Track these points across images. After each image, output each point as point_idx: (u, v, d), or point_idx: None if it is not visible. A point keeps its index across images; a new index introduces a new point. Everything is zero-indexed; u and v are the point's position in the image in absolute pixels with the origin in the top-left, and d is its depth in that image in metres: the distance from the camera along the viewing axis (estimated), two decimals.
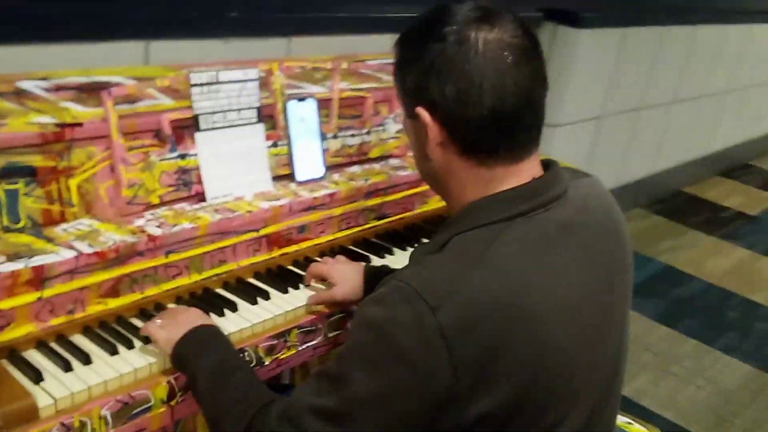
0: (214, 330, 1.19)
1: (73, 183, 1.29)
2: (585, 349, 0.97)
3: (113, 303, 1.27)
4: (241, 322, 1.32)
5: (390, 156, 1.80)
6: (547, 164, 1.03)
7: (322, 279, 1.45)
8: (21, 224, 1.23)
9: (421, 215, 1.84)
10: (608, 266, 1.04)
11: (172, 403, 1.19)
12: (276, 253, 1.52)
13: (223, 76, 1.44)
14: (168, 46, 1.87)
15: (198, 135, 1.42)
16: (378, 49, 2.38)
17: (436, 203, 1.88)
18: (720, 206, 4.68)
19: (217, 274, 1.42)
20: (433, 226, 1.83)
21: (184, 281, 1.37)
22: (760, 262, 3.93)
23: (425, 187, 1.82)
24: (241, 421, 1.01)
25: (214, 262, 1.41)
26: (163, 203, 1.38)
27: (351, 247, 1.65)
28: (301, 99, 1.59)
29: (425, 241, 1.12)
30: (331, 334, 1.44)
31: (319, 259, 1.57)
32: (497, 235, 0.94)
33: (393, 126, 1.80)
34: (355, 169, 1.71)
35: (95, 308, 1.25)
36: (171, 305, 1.34)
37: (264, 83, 1.53)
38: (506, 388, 0.91)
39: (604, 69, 3.52)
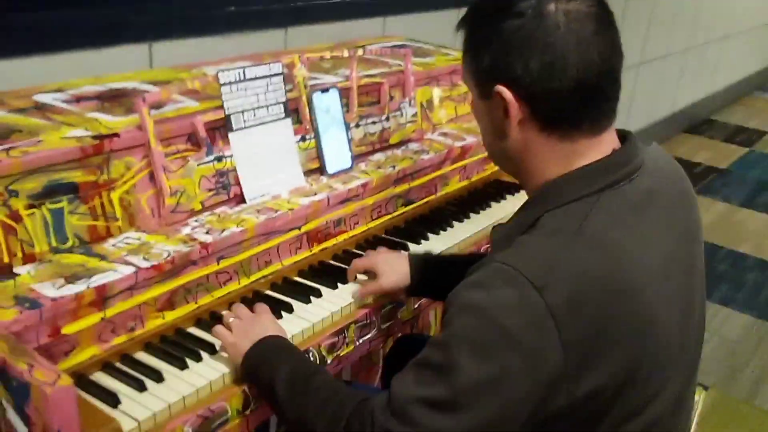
0: (281, 340, 1.17)
1: (115, 196, 1.24)
2: (678, 319, 0.98)
3: (170, 316, 1.24)
4: (301, 322, 1.30)
5: (409, 140, 1.78)
6: (623, 134, 1.03)
7: (366, 272, 1.43)
8: (69, 244, 1.18)
9: (444, 197, 1.84)
10: (687, 234, 1.04)
11: (247, 412, 1.17)
12: (316, 249, 1.50)
13: (249, 73, 1.40)
14: (169, 47, 1.81)
15: (232, 135, 1.38)
16: (373, 33, 2.36)
17: (456, 184, 1.88)
18: (691, 162, 4.77)
19: (264, 276, 1.39)
20: (456, 206, 1.83)
21: (234, 286, 1.34)
22: (740, 214, 4.03)
23: (447, 169, 1.82)
24: (338, 420, 0.98)
25: (260, 264, 1.38)
26: (205, 209, 1.34)
27: (386, 236, 1.64)
28: (324, 90, 1.55)
29: (501, 222, 1.09)
30: (384, 326, 1.43)
31: (358, 251, 1.55)
32: (589, 209, 0.94)
33: (410, 110, 1.77)
34: (379, 156, 1.69)
35: (154, 323, 1.21)
36: (224, 312, 1.30)
37: (287, 77, 1.49)
38: (614, 362, 0.90)
39: None
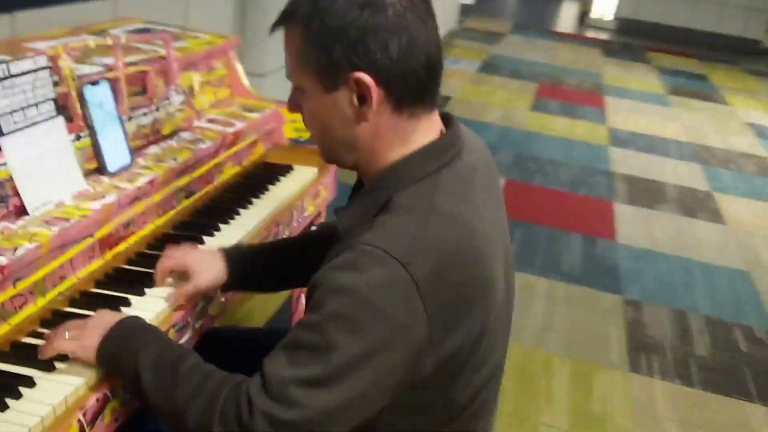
0: (137, 321, 1.09)
1: None
2: (503, 275, 1.11)
3: None
4: None
5: (180, 130, 1.71)
6: (445, 115, 1.12)
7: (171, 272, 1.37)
8: None
9: (222, 185, 1.80)
10: (498, 202, 1.18)
11: None
12: (108, 255, 1.39)
13: (14, 68, 1.24)
14: None
15: (3, 140, 1.22)
16: (106, 17, 2.19)
17: (230, 170, 1.85)
18: None
19: (60, 293, 1.26)
20: (233, 193, 1.80)
21: (31, 309, 1.20)
22: None
23: (222, 156, 1.79)
24: (212, 406, 0.96)
25: (55, 280, 1.25)
26: None
27: (177, 232, 1.57)
28: (95, 83, 1.43)
29: (344, 206, 1.12)
30: (197, 325, 1.38)
31: (151, 251, 1.47)
32: (434, 187, 1.02)
33: (177, 98, 1.70)
34: (155, 149, 1.60)
35: None
36: (28, 340, 1.16)
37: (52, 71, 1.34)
38: (471, 322, 1.01)
39: None
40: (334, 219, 1.21)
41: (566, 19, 11.99)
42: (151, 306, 1.29)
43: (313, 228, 1.45)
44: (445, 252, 0.97)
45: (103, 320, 1.10)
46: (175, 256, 1.36)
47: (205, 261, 1.34)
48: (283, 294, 2.70)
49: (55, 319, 1.22)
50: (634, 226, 3.95)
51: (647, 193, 4.45)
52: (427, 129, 1.06)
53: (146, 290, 1.33)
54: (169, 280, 1.36)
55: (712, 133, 6.03)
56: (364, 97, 1.00)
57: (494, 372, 1.12)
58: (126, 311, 1.27)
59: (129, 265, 1.42)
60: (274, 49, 3.75)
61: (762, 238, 4.02)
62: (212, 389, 0.98)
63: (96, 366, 1.08)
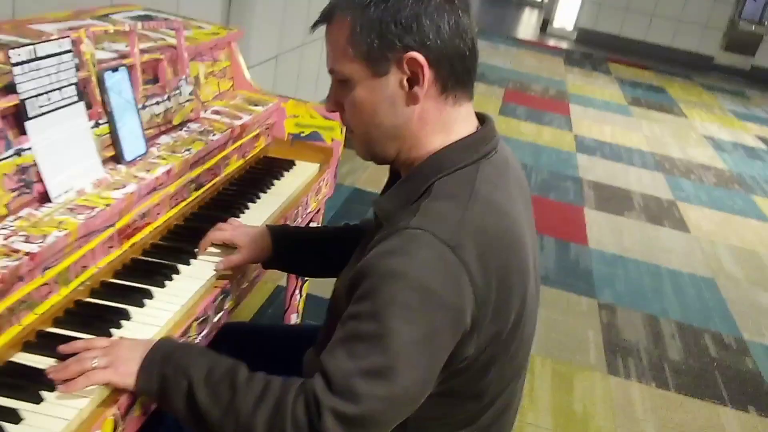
0: (173, 341, 1.06)
1: None
2: (533, 264, 1.12)
3: None
4: (146, 328, 1.18)
5: (188, 121, 1.68)
6: (478, 113, 1.13)
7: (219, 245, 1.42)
8: None
9: (227, 178, 1.78)
10: (527, 194, 1.20)
11: None
12: (126, 245, 1.36)
13: (40, 51, 1.21)
14: None
15: (29, 124, 1.18)
16: (105, 2, 2.13)
17: (235, 163, 1.83)
18: None
19: (82, 283, 1.23)
20: (239, 187, 1.78)
21: (56, 299, 1.16)
22: None
23: (229, 149, 1.77)
24: (281, 413, 0.93)
25: (78, 270, 1.22)
26: (10, 213, 1.13)
27: (189, 224, 1.54)
28: (114, 69, 1.40)
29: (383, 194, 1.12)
30: (215, 319, 1.37)
31: (164, 242, 1.45)
32: (474, 176, 1.04)
33: (186, 88, 1.67)
34: (166, 139, 1.57)
35: None
36: (51, 329, 1.13)
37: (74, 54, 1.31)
38: (511, 308, 1.02)
39: (276, 10, 3.60)
40: (370, 216, 1.22)
41: (528, 27, 12.17)
42: (175, 298, 1.27)
43: (352, 223, 1.46)
44: (488, 237, 0.98)
45: (133, 345, 1.05)
46: (225, 229, 1.40)
47: (254, 236, 1.39)
48: (268, 288, 2.68)
49: (78, 309, 1.20)
50: (604, 232, 4.03)
51: (615, 200, 4.55)
52: (467, 119, 1.09)
53: (166, 282, 1.31)
54: (213, 249, 1.41)
55: (672, 143, 6.20)
56: (414, 79, 1.01)
57: (523, 365, 1.14)
58: (149, 303, 1.25)
59: (145, 256, 1.40)
60: (261, 41, 3.74)
61: (725, 247, 4.14)
62: (277, 396, 0.95)
63: (137, 391, 1.03)
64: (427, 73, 1.01)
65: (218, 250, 1.41)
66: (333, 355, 0.94)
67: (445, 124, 1.06)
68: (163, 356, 1.02)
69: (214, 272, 1.36)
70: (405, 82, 1.02)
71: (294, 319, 2.27)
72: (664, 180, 5.17)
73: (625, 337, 2.98)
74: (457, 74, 1.03)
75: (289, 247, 1.40)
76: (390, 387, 0.92)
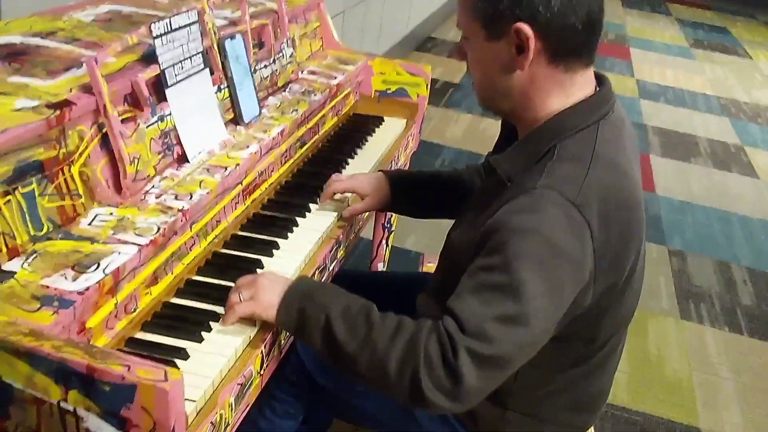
0: (313, 280, 1.18)
1: (75, 171, 1.11)
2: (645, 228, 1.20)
3: (155, 291, 1.17)
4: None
5: (290, 82, 1.78)
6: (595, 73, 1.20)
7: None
8: (44, 230, 1.05)
9: (323, 136, 1.88)
10: (638, 155, 1.26)
11: (263, 371, 1.17)
12: (248, 201, 1.48)
13: (174, 23, 1.31)
14: None
15: (169, 92, 1.29)
16: None
17: (330, 121, 1.93)
18: (432, 79, 5.19)
19: (216, 236, 1.35)
20: (336, 143, 1.88)
21: (197, 251, 1.29)
22: (483, 123, 4.54)
23: (326, 109, 1.86)
24: (415, 348, 1.01)
25: (213, 224, 1.34)
26: (157, 174, 1.26)
27: (297, 179, 1.65)
28: (232, 37, 1.49)
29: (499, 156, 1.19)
30: (330, 267, 1.48)
31: (278, 198, 1.56)
32: (594, 137, 1.10)
33: (287, 50, 1.77)
34: (274, 101, 1.67)
35: (145, 301, 1.14)
36: (198, 278, 1.26)
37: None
38: (626, 263, 1.10)
39: None
40: (475, 164, 1.31)
41: None
42: (297, 248, 1.39)
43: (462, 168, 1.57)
44: (609, 197, 1.06)
45: (274, 278, 1.16)
46: (344, 179, 1.52)
47: (373, 184, 1.50)
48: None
49: (215, 259, 1.32)
50: (671, 179, 4.04)
51: (681, 147, 4.52)
52: (584, 84, 1.14)
53: (289, 234, 1.43)
54: (337, 198, 1.55)
55: (737, 86, 6.07)
56: (522, 48, 1.07)
57: (632, 312, 1.23)
58: (277, 253, 1.37)
59: (264, 210, 1.51)
60: None
61: None
62: (411, 332, 1.04)
63: (276, 323, 1.13)
64: (534, 44, 1.06)
65: (343, 196, 1.56)
66: (464, 301, 1.03)
67: (560, 88, 1.12)
68: (302, 293, 1.12)
69: (330, 223, 1.47)
70: (513, 50, 1.08)
71: (380, 267, 2.38)
72: (730, 124, 5.10)
73: (696, 283, 3.03)
74: (568, 45, 1.09)
75: (406, 191, 1.51)
76: (520, 332, 1.01)
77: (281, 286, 1.14)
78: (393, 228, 2.36)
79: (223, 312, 1.16)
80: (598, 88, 1.16)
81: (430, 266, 1.85)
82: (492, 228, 1.05)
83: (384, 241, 2.33)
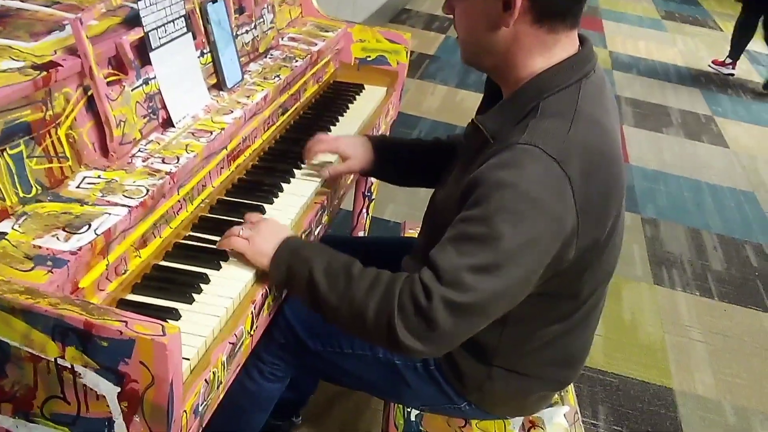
0: (301, 239, 1.22)
1: (62, 133, 1.11)
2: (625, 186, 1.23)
3: (145, 253, 1.17)
4: None
5: (270, 48, 1.77)
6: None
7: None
8: (33, 192, 1.05)
9: (304, 103, 1.88)
10: (617, 114, 1.28)
11: (252, 331, 1.19)
12: (233, 167, 1.48)
13: None
14: None
15: (153, 55, 1.28)
16: None
17: (311, 88, 1.93)
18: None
19: (202, 200, 1.35)
20: (317, 110, 1.88)
21: (184, 215, 1.29)
22: (459, 95, 4.56)
23: (307, 76, 1.86)
24: (389, 298, 1.06)
25: (199, 189, 1.34)
26: (143, 137, 1.25)
27: (279, 146, 1.66)
28: (214, 1, 1.49)
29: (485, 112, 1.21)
30: (316, 231, 1.50)
31: (261, 164, 1.57)
32: (576, 95, 1.13)
33: (268, 16, 1.76)
34: (255, 66, 1.67)
35: (135, 263, 1.15)
36: (186, 242, 1.27)
37: None
38: (606, 219, 1.14)
39: None
40: (459, 132, 1.32)
41: None
42: (282, 213, 1.40)
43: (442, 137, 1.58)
44: (591, 152, 1.09)
45: (274, 229, 1.21)
46: (326, 140, 1.52)
47: (356, 147, 1.51)
48: None
49: (201, 223, 1.33)
50: (643, 149, 4.10)
51: (653, 117, 4.59)
52: (567, 44, 1.16)
53: (274, 199, 1.44)
54: (321, 159, 1.54)
55: (708, 58, 6.15)
56: (508, 4, 1.09)
57: (612, 269, 1.26)
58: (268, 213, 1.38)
59: (248, 176, 1.52)
60: None
61: (765, 161, 4.20)
62: (387, 283, 1.09)
63: (265, 271, 1.19)
64: (519, 2, 1.08)
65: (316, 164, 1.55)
66: (442, 251, 1.06)
67: (543, 48, 1.14)
68: (290, 250, 1.18)
69: (315, 188, 1.48)
70: (500, 6, 1.10)
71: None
72: (701, 95, 5.17)
73: (668, 250, 3.10)
74: (553, 8, 1.10)
75: (389, 156, 1.52)
76: (495, 282, 1.04)
77: (277, 239, 1.19)
78: (374, 196, 2.38)
79: (213, 275, 1.18)
80: (580, 48, 1.18)
81: (411, 233, 1.87)
82: (474, 182, 1.07)
83: (365, 210, 2.34)
